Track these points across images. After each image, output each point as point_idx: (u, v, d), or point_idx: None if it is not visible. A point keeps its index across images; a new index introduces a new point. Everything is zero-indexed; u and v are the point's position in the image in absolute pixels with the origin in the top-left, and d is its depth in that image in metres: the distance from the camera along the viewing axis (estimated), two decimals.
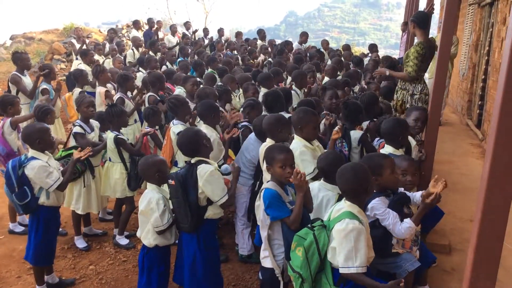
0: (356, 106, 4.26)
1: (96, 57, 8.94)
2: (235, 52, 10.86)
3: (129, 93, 6.13)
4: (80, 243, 4.69)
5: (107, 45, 10.47)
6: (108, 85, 6.58)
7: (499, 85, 1.86)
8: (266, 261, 3.00)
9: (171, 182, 3.15)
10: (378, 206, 2.90)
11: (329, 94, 5.01)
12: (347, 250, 2.46)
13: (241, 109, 4.97)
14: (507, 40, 1.82)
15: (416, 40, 5.30)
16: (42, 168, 3.63)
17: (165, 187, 3.37)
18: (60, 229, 4.79)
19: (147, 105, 5.71)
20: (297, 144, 3.63)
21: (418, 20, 5.02)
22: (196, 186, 3.10)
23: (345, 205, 2.61)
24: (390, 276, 2.94)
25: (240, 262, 4.30)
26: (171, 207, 3.30)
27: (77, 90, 6.37)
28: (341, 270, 2.49)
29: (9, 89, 6.32)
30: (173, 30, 12.64)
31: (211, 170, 3.12)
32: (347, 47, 11.22)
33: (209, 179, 3.10)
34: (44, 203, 3.74)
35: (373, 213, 2.90)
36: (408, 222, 2.84)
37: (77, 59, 9.14)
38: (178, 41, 11.85)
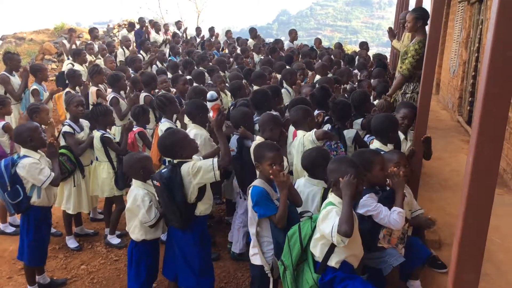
0: (345, 105, 4.27)
1: (87, 57, 8.88)
2: (217, 51, 10.87)
3: (122, 93, 6.11)
4: (72, 243, 4.69)
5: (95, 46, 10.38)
6: (100, 85, 6.56)
7: (481, 80, 1.88)
8: (256, 258, 3.03)
9: (156, 183, 3.14)
10: (368, 202, 2.91)
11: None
12: (331, 223, 2.48)
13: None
14: (489, 36, 1.84)
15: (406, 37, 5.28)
16: (33, 166, 3.64)
17: (150, 182, 3.39)
18: (54, 230, 4.80)
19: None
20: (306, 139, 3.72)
21: (425, 16, 4.94)
22: (181, 185, 3.10)
23: (329, 197, 2.71)
24: (377, 271, 2.96)
25: (232, 260, 4.31)
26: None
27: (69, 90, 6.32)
28: (334, 232, 2.44)
29: None
30: (165, 29, 12.54)
31: (192, 164, 3.12)
32: (338, 46, 11.25)
33: (195, 169, 3.09)
34: (35, 202, 3.74)
35: (364, 209, 2.89)
36: (395, 209, 2.85)
37: (68, 59, 9.07)
38: (164, 39, 11.73)
